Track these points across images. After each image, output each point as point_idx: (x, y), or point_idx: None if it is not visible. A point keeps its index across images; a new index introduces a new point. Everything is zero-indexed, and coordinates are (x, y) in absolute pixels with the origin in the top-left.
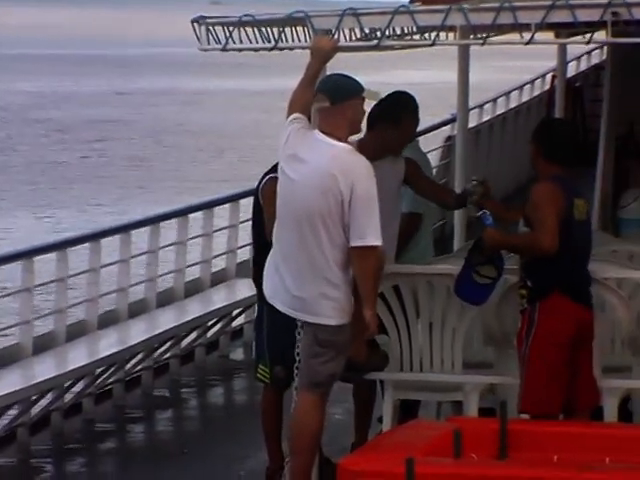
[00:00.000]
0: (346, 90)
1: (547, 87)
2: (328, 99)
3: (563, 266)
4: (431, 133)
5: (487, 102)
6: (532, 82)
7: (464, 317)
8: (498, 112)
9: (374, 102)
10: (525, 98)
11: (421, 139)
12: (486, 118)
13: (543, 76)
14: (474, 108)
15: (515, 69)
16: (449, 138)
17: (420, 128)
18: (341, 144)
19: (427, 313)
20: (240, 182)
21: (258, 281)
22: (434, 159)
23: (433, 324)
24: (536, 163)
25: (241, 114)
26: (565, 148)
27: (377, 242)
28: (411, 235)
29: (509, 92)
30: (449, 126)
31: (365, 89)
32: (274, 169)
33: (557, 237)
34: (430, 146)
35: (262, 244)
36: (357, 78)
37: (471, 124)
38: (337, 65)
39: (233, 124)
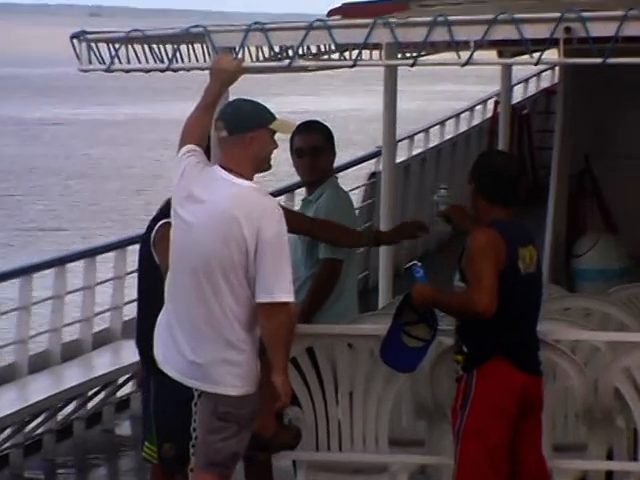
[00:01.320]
0: (248, 119)
1: (489, 115)
2: (225, 128)
3: (504, 328)
4: (353, 168)
5: (418, 132)
6: (471, 109)
7: (391, 386)
8: (431, 144)
9: (287, 134)
10: (463, 127)
11: (340, 175)
12: (417, 151)
13: (484, 102)
14: (403, 139)
15: (451, 94)
16: (373, 175)
17: (341, 162)
18: (245, 182)
19: (347, 381)
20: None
21: (143, 343)
22: (356, 199)
23: (354, 394)
24: (475, 204)
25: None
26: (506, 185)
27: (288, 298)
28: (330, 287)
29: (444, 120)
30: (374, 161)
31: (276, 118)
32: (164, 212)
33: (495, 297)
34: (351, 184)
35: (151, 300)
36: (268, 104)
37: (399, 158)
38: (254, 89)
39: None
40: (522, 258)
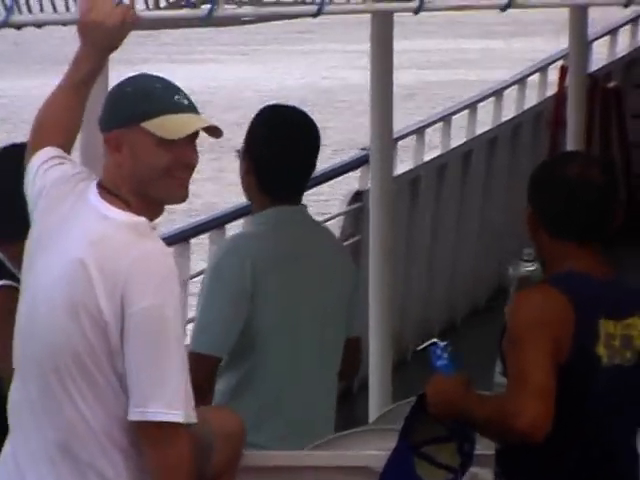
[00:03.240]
0: (116, 110)
1: (551, 92)
2: (99, 122)
3: (569, 458)
4: (325, 185)
5: (431, 123)
6: (521, 81)
7: None
8: (454, 143)
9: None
10: (508, 114)
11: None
12: (432, 156)
13: (542, 69)
14: (405, 136)
15: (475, 56)
16: (357, 196)
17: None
18: (119, 213)
19: None
20: None
21: None
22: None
23: None
24: (535, 239)
25: None
26: (585, 214)
27: (171, 416)
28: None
29: (475, 102)
30: (357, 173)
31: (164, 112)
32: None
33: (547, 408)
34: (319, 213)
35: None
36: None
37: (402, 167)
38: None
39: None
40: (606, 338)
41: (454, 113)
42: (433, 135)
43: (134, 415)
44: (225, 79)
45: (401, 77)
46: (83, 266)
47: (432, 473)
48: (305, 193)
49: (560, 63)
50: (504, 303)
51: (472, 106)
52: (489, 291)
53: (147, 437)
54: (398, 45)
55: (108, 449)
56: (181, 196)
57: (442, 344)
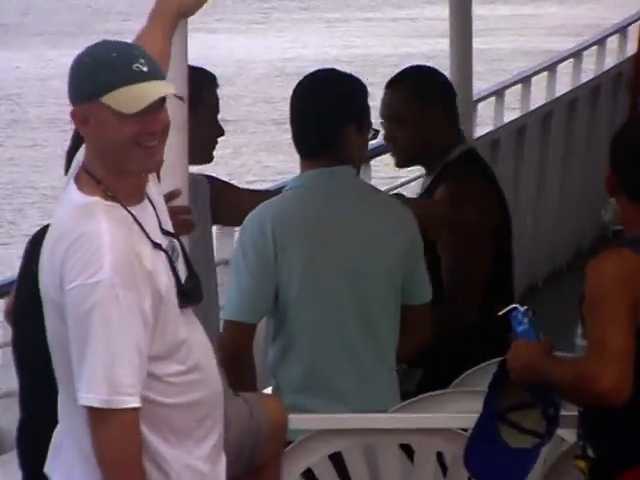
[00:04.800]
0: (78, 84)
1: (632, 52)
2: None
3: None
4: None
5: (510, 85)
6: (600, 42)
7: None
8: (534, 105)
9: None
10: (587, 75)
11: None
12: (510, 117)
13: (622, 30)
14: (484, 98)
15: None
16: None
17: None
18: (77, 194)
19: None
20: None
21: (29, 464)
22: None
23: None
24: (622, 212)
25: None
26: None
27: (95, 401)
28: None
29: (555, 63)
30: None
31: (124, 84)
32: None
33: (628, 371)
34: (397, 175)
35: (39, 385)
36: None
37: (481, 129)
38: None
39: None
40: None
41: (533, 74)
42: (511, 98)
43: (80, 399)
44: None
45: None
46: (43, 252)
47: (518, 438)
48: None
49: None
50: (585, 264)
51: (551, 68)
52: (570, 252)
53: (88, 420)
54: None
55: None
56: (154, 164)
57: (522, 309)
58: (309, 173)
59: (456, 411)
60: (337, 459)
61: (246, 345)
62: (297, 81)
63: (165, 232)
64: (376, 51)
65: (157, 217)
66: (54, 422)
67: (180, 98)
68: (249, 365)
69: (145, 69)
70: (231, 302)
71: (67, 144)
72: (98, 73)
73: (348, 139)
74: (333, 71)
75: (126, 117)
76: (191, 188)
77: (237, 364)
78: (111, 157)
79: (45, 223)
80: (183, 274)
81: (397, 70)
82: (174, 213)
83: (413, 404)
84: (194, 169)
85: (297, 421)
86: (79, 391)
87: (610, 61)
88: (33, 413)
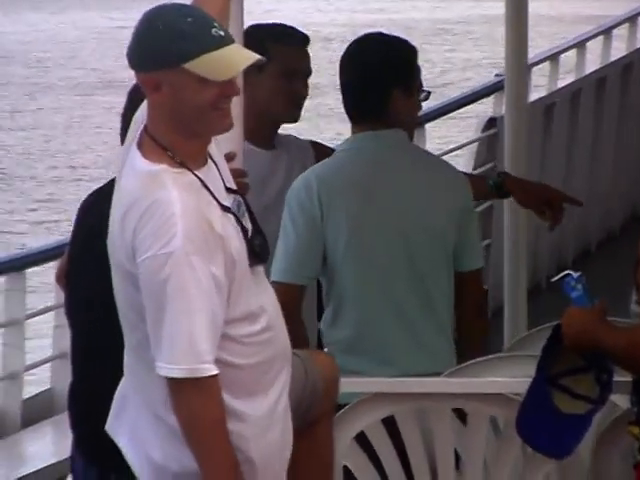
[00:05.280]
0: (152, 50)
1: None
2: (129, 60)
3: None
4: (449, 115)
5: (565, 49)
6: None
7: (530, 478)
8: (589, 69)
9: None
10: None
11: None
12: (565, 82)
13: None
14: (540, 62)
15: None
16: (491, 122)
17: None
18: (142, 162)
19: (453, 470)
20: None
21: (81, 424)
22: (462, 164)
23: None
24: None
25: None
26: None
27: (177, 372)
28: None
29: (610, 28)
30: (491, 99)
31: (206, 51)
32: None
33: None
34: (449, 140)
35: (96, 344)
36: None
37: (535, 94)
38: None
39: None
40: None
41: (589, 39)
42: (566, 62)
43: (157, 369)
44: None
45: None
46: (112, 221)
47: (570, 404)
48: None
49: None
50: (638, 229)
51: (607, 32)
52: (624, 217)
53: (169, 390)
54: None
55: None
56: (228, 125)
57: (576, 275)
58: (356, 136)
59: (509, 376)
60: (390, 423)
61: (294, 307)
62: (331, 45)
63: (229, 190)
64: (411, 15)
65: (221, 177)
66: (106, 384)
67: (260, 63)
68: (299, 326)
69: (222, 33)
70: (278, 264)
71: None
72: (177, 40)
73: (395, 102)
74: (379, 35)
75: (207, 83)
76: (296, 152)
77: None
78: (186, 122)
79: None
80: (249, 231)
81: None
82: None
83: (466, 368)
84: (291, 130)
85: (350, 384)
86: (159, 361)
87: None
88: (85, 375)
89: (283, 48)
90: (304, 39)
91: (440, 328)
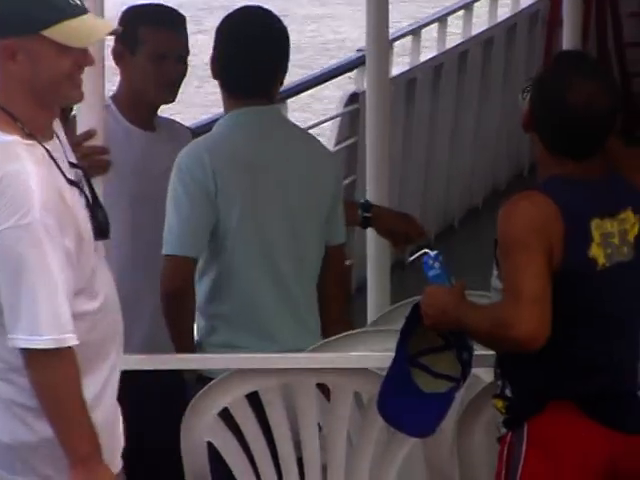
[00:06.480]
0: (15, 14)
1: None
2: None
3: (569, 357)
4: (315, 89)
5: (426, 24)
6: None
7: (391, 454)
8: (450, 44)
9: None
10: (504, 14)
11: (292, 101)
12: (427, 56)
13: None
14: (401, 37)
15: None
16: (353, 97)
17: (291, 80)
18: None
19: (316, 447)
20: None
21: None
22: (325, 143)
23: (329, 468)
24: (536, 151)
25: None
26: (585, 142)
27: (31, 342)
28: (172, 299)
29: (471, 2)
30: (353, 74)
31: (65, 18)
32: None
33: (543, 315)
34: (313, 115)
35: None
36: None
37: (397, 68)
38: None
39: None
40: (600, 239)
41: (450, 13)
42: (427, 36)
43: (9, 342)
44: None
45: None
46: None
47: (431, 383)
48: (303, 94)
49: None
50: (500, 204)
51: (468, 6)
52: (486, 191)
53: (25, 362)
54: None
55: (11, 375)
56: (78, 97)
57: (433, 254)
58: (242, 111)
59: (373, 350)
60: (254, 399)
61: (191, 280)
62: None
63: (72, 164)
64: None
65: (64, 151)
66: None
67: (115, 33)
68: (192, 303)
69: (79, 2)
70: (173, 237)
71: None
72: (36, 6)
73: (280, 81)
74: (262, 10)
75: (66, 51)
76: (176, 136)
77: (181, 302)
78: (39, 92)
79: None
80: (91, 204)
81: None
82: (91, 153)
83: (330, 343)
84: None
85: (213, 360)
86: (15, 333)
87: (526, 0)
88: None
89: (152, 30)
90: (176, 20)
91: (315, 304)
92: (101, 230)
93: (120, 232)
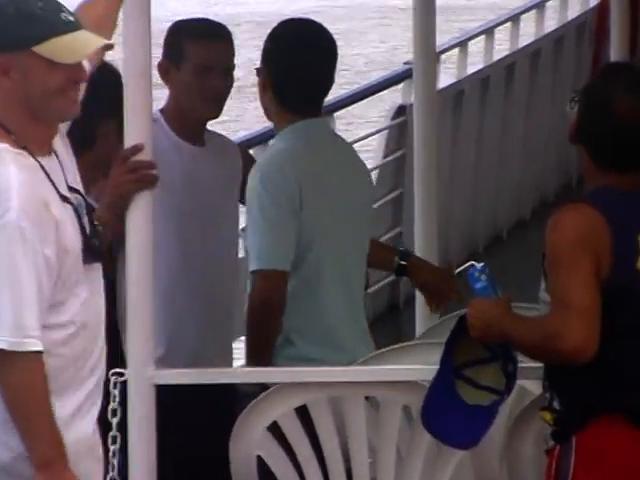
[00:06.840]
0: (7, 31)
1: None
2: None
3: (619, 370)
4: (363, 102)
5: (473, 36)
6: None
7: (440, 466)
8: (497, 56)
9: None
10: (550, 25)
11: (340, 114)
12: (474, 69)
13: None
14: (448, 49)
15: None
16: (400, 110)
17: (335, 94)
18: None
19: (365, 459)
20: None
21: None
22: (372, 156)
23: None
24: (583, 162)
25: None
26: (632, 156)
27: (3, 341)
28: (264, 313)
29: (518, 14)
30: (400, 87)
31: (55, 34)
32: None
33: (593, 326)
34: (360, 129)
35: None
36: None
37: (444, 81)
38: None
39: None
40: None
41: (497, 25)
42: (474, 49)
43: None
44: None
45: None
46: None
47: (475, 395)
48: (348, 108)
49: None
50: (549, 215)
51: (514, 18)
52: (534, 203)
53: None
54: None
55: None
56: (73, 112)
57: (479, 266)
58: (305, 123)
59: (421, 363)
60: (303, 412)
61: (283, 292)
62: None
63: (72, 189)
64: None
65: (63, 173)
66: None
67: (111, 47)
68: (280, 314)
69: (71, 19)
70: (262, 252)
71: None
72: (27, 23)
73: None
74: (313, 23)
75: (56, 67)
76: (225, 151)
77: (275, 318)
78: (33, 107)
79: None
80: (87, 230)
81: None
82: (138, 167)
83: (379, 356)
84: (218, 127)
85: (267, 374)
86: None
87: (573, 12)
88: None
89: (195, 44)
90: (220, 33)
91: (364, 314)
92: (92, 253)
93: (169, 246)
